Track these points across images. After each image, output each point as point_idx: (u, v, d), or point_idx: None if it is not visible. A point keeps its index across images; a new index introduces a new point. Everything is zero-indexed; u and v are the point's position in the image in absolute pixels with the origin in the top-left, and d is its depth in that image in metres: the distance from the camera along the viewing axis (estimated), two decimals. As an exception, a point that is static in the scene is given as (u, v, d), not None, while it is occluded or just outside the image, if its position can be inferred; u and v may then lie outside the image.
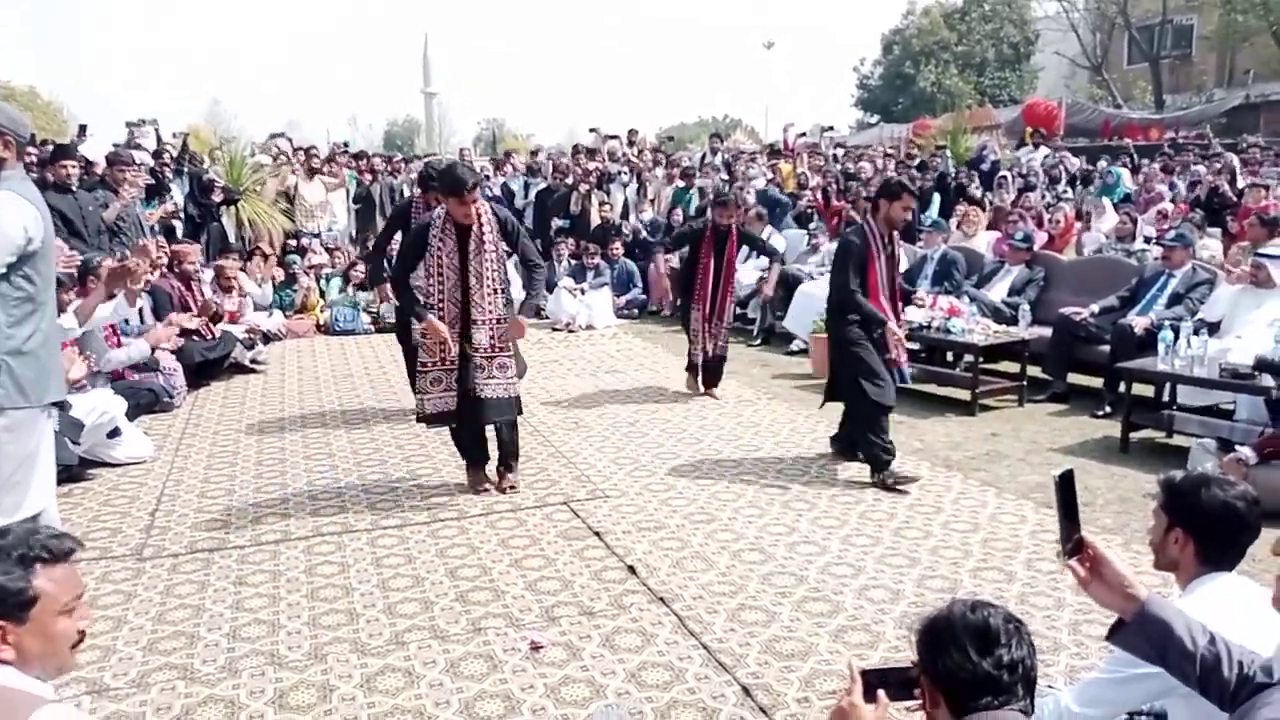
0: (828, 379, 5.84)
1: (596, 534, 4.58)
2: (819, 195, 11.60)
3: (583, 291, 10.83)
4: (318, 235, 12.11)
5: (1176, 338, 5.88)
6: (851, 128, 31.28)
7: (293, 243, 11.72)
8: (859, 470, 5.53)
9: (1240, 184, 10.81)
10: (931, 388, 7.42)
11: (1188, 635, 1.84)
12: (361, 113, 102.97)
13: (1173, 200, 10.86)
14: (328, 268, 11.37)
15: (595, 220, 12.27)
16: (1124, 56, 31.07)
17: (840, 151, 15.30)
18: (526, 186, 13.33)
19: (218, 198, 10.95)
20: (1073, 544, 1.85)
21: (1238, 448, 4.85)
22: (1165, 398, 6.45)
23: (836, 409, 5.85)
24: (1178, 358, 5.80)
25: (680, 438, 6.28)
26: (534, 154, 14.99)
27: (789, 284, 9.44)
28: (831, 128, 19.78)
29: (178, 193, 11.18)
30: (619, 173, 13.37)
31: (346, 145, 16.47)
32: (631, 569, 4.17)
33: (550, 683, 3.26)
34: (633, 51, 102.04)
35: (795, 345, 9.08)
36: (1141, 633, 1.86)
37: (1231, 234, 9.08)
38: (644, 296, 11.52)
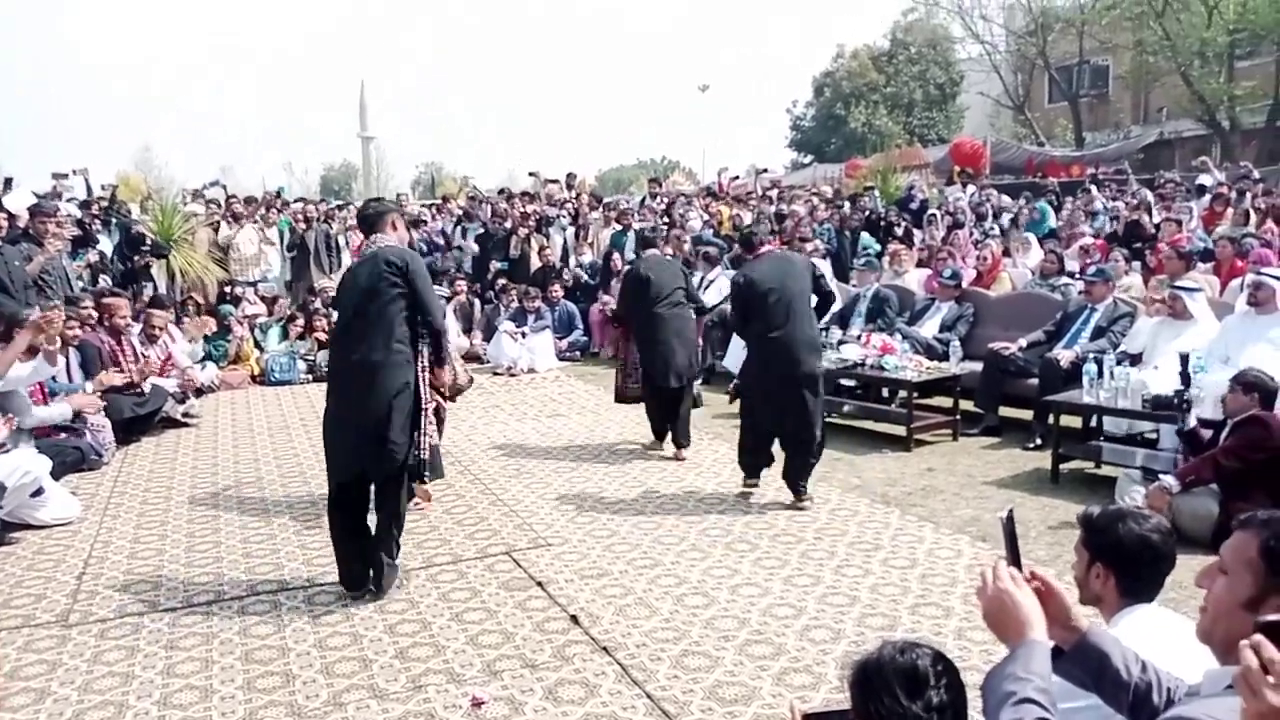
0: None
1: (539, 584, 4.55)
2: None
3: (524, 335, 10.82)
4: (253, 284, 11.95)
5: (1100, 370, 6.08)
6: (786, 168, 31.89)
7: (227, 291, 11.54)
8: (799, 511, 5.58)
9: (1156, 218, 11.25)
10: (868, 424, 7.55)
11: (1123, 665, 1.89)
12: (297, 158, 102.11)
13: (1094, 235, 11.24)
14: (263, 317, 11.20)
15: (535, 263, 12.30)
16: (1045, 96, 32.26)
17: (775, 193, 15.57)
18: (464, 231, 13.32)
19: (147, 251, 10.75)
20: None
21: (1161, 477, 5.01)
22: (1092, 428, 6.64)
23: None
24: (1102, 390, 6.00)
25: (623, 481, 6.28)
26: (472, 198, 14.98)
27: (727, 324, 9.53)
28: (766, 170, 20.16)
29: (106, 244, 10.97)
30: (558, 216, 13.44)
31: (280, 192, 16.32)
32: (574, 618, 4.14)
33: (492, 739, 3.21)
34: (571, 94, 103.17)
35: (734, 385, 9.15)
36: (1080, 661, 1.91)
37: (1150, 268, 9.43)
38: (585, 338, 11.55)
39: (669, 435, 6.97)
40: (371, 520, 4.53)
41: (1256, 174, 14.83)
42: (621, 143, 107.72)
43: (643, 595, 4.38)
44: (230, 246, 12.04)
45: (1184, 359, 5.52)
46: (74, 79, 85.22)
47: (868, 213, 13.07)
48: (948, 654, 1.84)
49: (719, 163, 41.51)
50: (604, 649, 3.85)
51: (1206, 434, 5.22)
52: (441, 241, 13.42)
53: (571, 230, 13.16)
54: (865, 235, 12.33)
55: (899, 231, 12.00)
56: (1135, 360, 6.54)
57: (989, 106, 31.92)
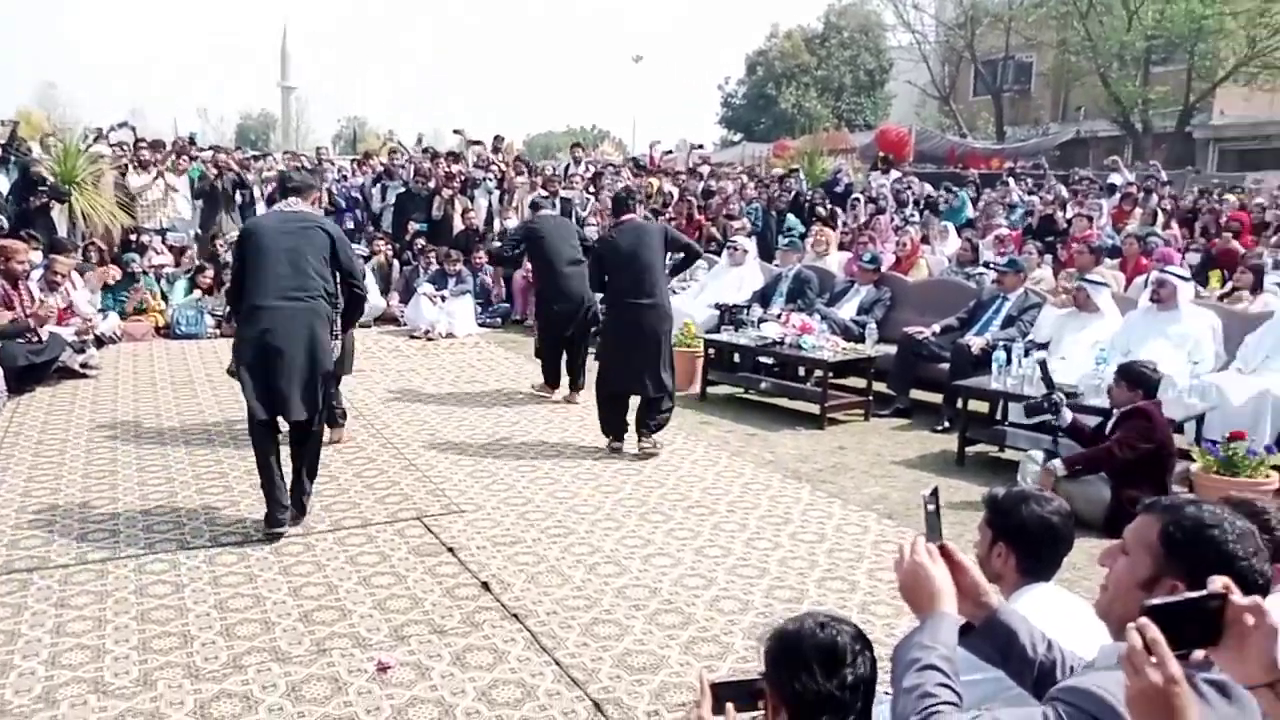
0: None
1: (450, 550, 4.50)
2: (682, 211, 11.82)
3: (443, 298, 10.65)
4: (160, 232, 11.48)
5: (1009, 358, 6.27)
6: (715, 144, 31.99)
7: (132, 239, 11.05)
8: (715, 480, 5.65)
9: (1069, 214, 11.62)
10: (783, 401, 7.66)
11: (1030, 642, 1.95)
12: (212, 105, 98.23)
13: (1010, 228, 11.56)
14: (170, 267, 10.78)
15: (459, 226, 12.09)
16: (970, 88, 32.96)
17: (705, 170, 15.60)
18: (384, 189, 13.00)
19: (44, 192, 10.20)
20: (935, 550, 1.93)
21: (1052, 461, 5.20)
22: (999, 414, 6.85)
23: (693, 415, 5.94)
24: (1009, 376, 6.18)
25: (540, 450, 6.25)
26: (393, 154, 14.62)
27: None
28: (701, 145, 20.16)
29: (3, 182, 10.39)
30: (484, 179, 13.22)
31: (193, 138, 15.68)
32: (485, 585, 4.11)
33: (397, 704, 3.18)
34: (502, 56, 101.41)
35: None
36: (988, 637, 1.96)
37: (1061, 261, 9.75)
38: (508, 305, 11.43)
39: (565, 383, 7.72)
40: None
41: (1164, 175, 15.43)
42: (552, 109, 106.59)
43: (555, 563, 4.38)
44: (136, 193, 11.51)
45: (1043, 365, 5.71)
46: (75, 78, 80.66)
47: (794, 194, 13.20)
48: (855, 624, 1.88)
49: (649, 135, 41.45)
50: (514, 616, 3.84)
51: (1092, 422, 5.42)
52: (359, 197, 13.08)
53: (497, 194, 12.96)
54: (790, 216, 12.46)
55: (823, 213, 12.16)
56: (1042, 349, 6.76)
57: (916, 95, 32.47)
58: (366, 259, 11.28)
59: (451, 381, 8.33)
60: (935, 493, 1.98)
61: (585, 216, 12.19)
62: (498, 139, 15.69)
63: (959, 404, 6.55)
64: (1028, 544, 2.44)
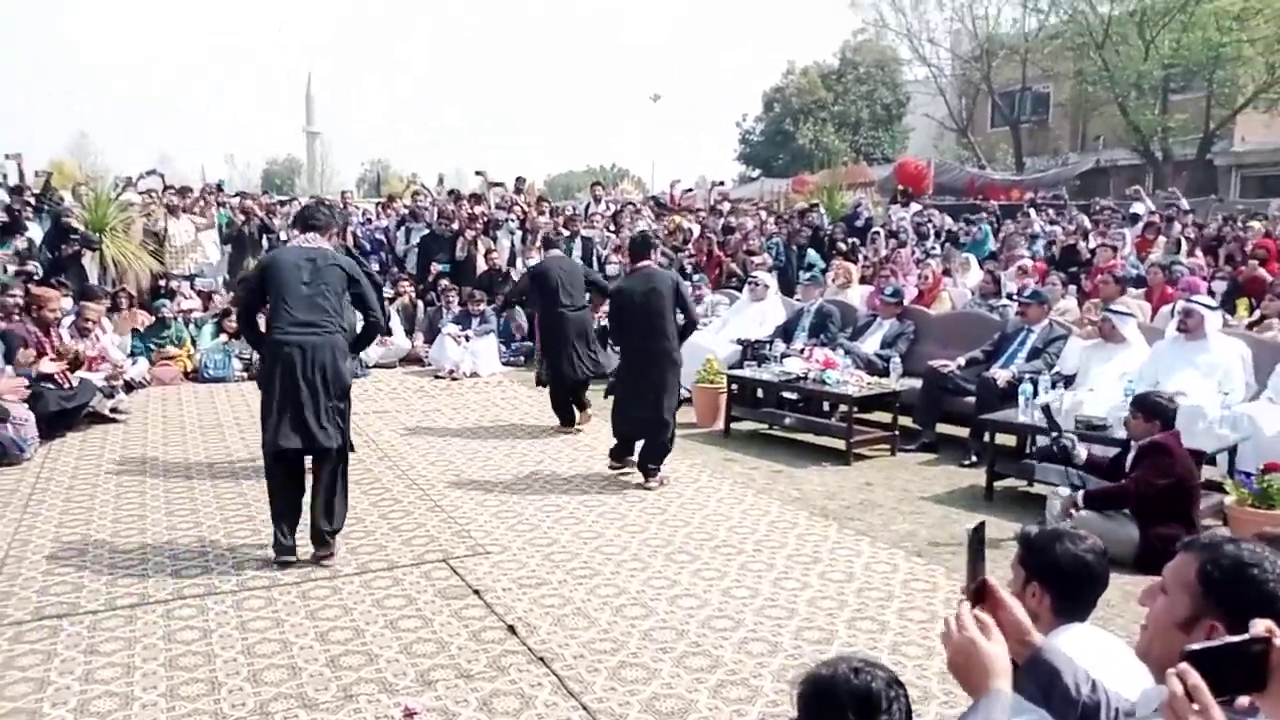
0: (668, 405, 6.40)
1: (476, 592, 4.49)
2: (702, 248, 11.88)
3: (467, 338, 10.71)
4: (188, 278, 11.65)
5: (1035, 390, 6.21)
6: (734, 180, 32.14)
7: (161, 284, 11.23)
8: (741, 518, 5.61)
9: (1092, 243, 11.57)
10: (808, 437, 7.62)
11: (1073, 682, 1.92)
12: (239, 150, 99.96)
13: (1032, 258, 11.52)
14: (199, 311, 10.93)
15: (481, 266, 12.19)
16: (987, 120, 32.99)
17: (725, 206, 15.68)
18: (408, 231, 13.14)
19: (75, 240, 10.40)
20: (975, 586, 1.88)
21: (1075, 493, 5.14)
22: (1027, 448, 6.77)
23: (717, 452, 5.91)
24: (1036, 409, 6.12)
25: (564, 489, 6.24)
26: (416, 196, 14.80)
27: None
28: (722, 183, 20.27)
29: (36, 232, 10.60)
30: (506, 219, 13.35)
31: (221, 185, 15.95)
32: (511, 628, 4.09)
33: (424, 751, 3.15)
34: (523, 98, 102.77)
35: (680, 394, 9.16)
36: (1032, 676, 1.92)
37: (1085, 291, 9.69)
38: (531, 344, 11.47)
39: (575, 420, 7.94)
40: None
41: (1185, 204, 15.34)
42: (572, 149, 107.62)
43: (581, 605, 4.35)
44: (165, 238, 11.71)
45: (1047, 410, 5.71)
46: (12, 60, 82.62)
47: (815, 229, 13.23)
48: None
49: (669, 173, 41.74)
50: (541, 659, 3.81)
51: (1109, 454, 5.36)
52: (384, 240, 13.23)
53: (519, 234, 13.07)
54: (811, 251, 12.48)
55: (844, 248, 12.17)
56: (1069, 382, 6.70)
57: (933, 128, 32.54)
58: (391, 300, 11.40)
59: (476, 421, 8.35)
60: (981, 527, 1.95)
61: (606, 255, 12.26)
62: (519, 180, 15.85)
63: (986, 438, 6.48)
64: (1063, 583, 2.40)
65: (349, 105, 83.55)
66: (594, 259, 12.32)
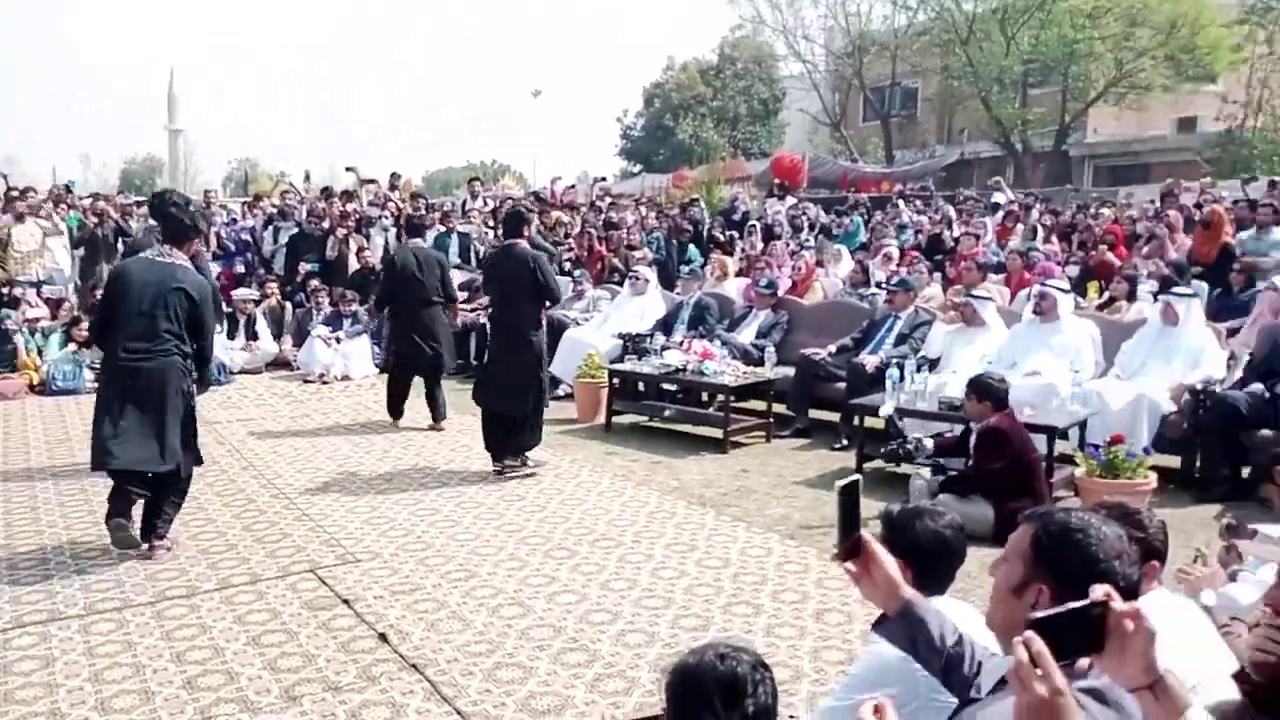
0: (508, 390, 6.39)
1: (345, 601, 4.34)
2: (584, 243, 11.84)
3: (338, 340, 10.39)
4: (35, 285, 10.93)
5: (902, 375, 6.40)
6: (616, 176, 32.24)
7: (4, 292, 10.49)
8: (620, 511, 5.61)
9: (956, 232, 12.01)
10: (687, 428, 7.68)
11: (939, 633, 2.01)
12: (95, 150, 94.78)
13: (900, 248, 11.89)
14: (47, 320, 10.27)
15: (353, 265, 11.84)
16: (860, 115, 34.02)
17: (607, 201, 15.66)
18: (276, 231, 12.65)
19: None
20: (850, 544, 1.94)
21: (932, 479, 5.40)
22: (895, 431, 6.96)
23: (598, 446, 5.89)
24: (903, 393, 6.32)
25: (440, 492, 6.10)
26: (285, 195, 14.27)
27: (555, 329, 9.49)
28: (605, 178, 20.26)
29: None
30: (379, 216, 13.00)
31: (70, 186, 15.03)
32: (383, 636, 3.97)
33: (285, 770, 3.02)
34: (397, 92, 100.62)
35: (561, 390, 9.11)
36: (902, 626, 2.01)
37: (949, 278, 10.05)
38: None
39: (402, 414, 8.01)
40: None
41: (1038, 194, 16.09)
42: (451, 145, 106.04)
43: (456, 609, 4.26)
44: (8, 243, 10.96)
45: (889, 420, 6.00)
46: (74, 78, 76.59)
47: (695, 223, 13.34)
48: (757, 650, 1.86)
49: (551, 168, 41.56)
50: (413, 666, 3.71)
51: (955, 433, 5.63)
52: (250, 240, 12.72)
53: (393, 231, 12.75)
54: (691, 246, 12.58)
55: (721, 239, 12.33)
56: (934, 365, 6.93)
57: (808, 123, 33.34)
58: (257, 302, 10.97)
59: (347, 426, 8.10)
60: (854, 486, 1.97)
61: (484, 251, 12.09)
62: (394, 176, 15.47)
63: (856, 422, 6.65)
64: (923, 559, 2.47)
65: (216, 101, 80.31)
66: (471, 255, 12.13)
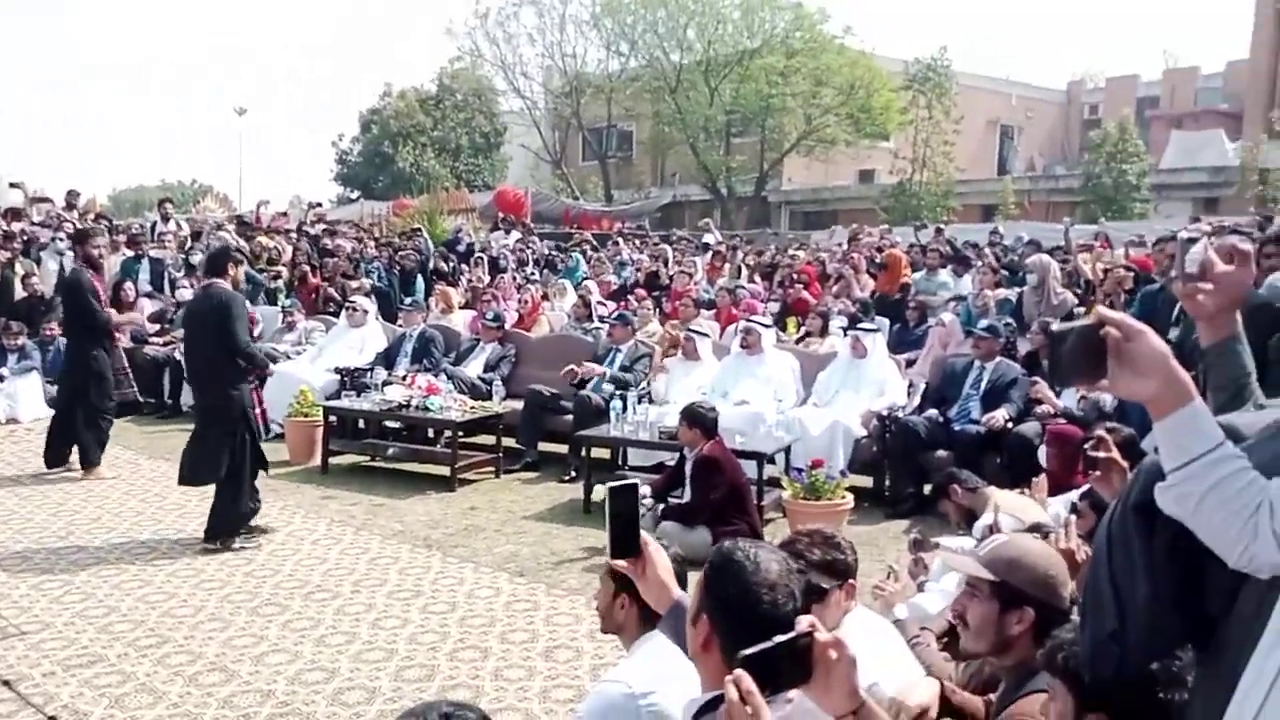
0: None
1: (6, 683, 3.73)
2: (295, 272, 11.18)
3: (2, 379, 9.06)
4: None
5: (625, 406, 6.56)
6: (333, 201, 30.88)
7: None
8: (338, 560, 5.29)
9: (671, 270, 12.59)
10: (413, 466, 7.42)
11: None
12: None
13: (622, 284, 12.28)
14: None
15: (20, 293, 10.41)
16: (579, 153, 34.98)
17: (321, 228, 14.92)
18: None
19: None
20: (623, 546, 1.98)
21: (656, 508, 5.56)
22: (620, 460, 7.14)
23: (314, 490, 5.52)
24: (626, 424, 6.48)
25: (129, 549, 5.44)
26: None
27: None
28: (320, 204, 19.30)
29: None
30: (54, 239, 11.55)
31: None
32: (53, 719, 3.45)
33: None
34: (80, 105, 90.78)
35: (273, 429, 8.48)
36: (671, 620, 2.04)
37: (666, 313, 10.49)
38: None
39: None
40: None
41: (742, 235, 17.28)
42: (143, 162, 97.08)
43: (146, 680, 3.79)
44: None
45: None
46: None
47: (419, 253, 13.01)
48: (486, 697, 1.77)
49: (260, 191, 39.02)
50: (90, 753, 3.24)
51: (673, 459, 5.88)
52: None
53: (70, 255, 11.36)
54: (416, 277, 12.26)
55: (445, 271, 12.13)
56: (653, 397, 7.18)
57: (530, 159, 33.79)
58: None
59: (14, 477, 7.06)
60: (628, 491, 1.95)
61: (179, 279, 11.09)
62: (71, 194, 13.85)
63: (584, 453, 6.73)
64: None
65: None
66: (165, 283, 11.08)
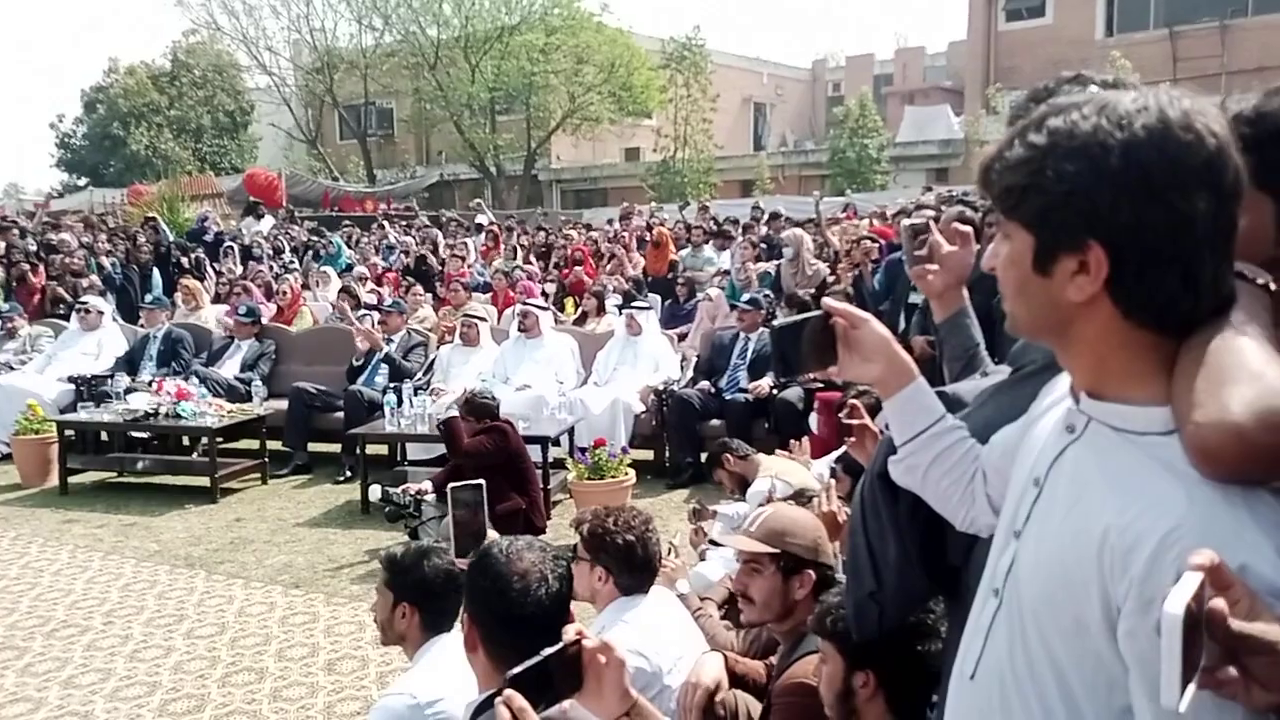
0: None
1: None
2: (15, 271, 9.98)
3: None
4: None
5: (400, 398, 6.34)
6: (56, 190, 27.85)
7: None
8: (86, 590, 4.81)
9: (442, 253, 12.29)
10: (166, 479, 6.86)
11: None
12: None
13: (387, 268, 11.86)
14: None
15: None
16: (336, 132, 33.32)
17: (43, 220, 13.39)
18: None
19: None
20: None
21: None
22: (398, 455, 6.89)
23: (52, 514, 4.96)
24: (403, 418, 6.25)
25: None
26: None
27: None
28: (52, 195, 17.29)
29: None
30: None
31: None
32: None
33: None
34: None
35: (-4, 451, 7.55)
36: None
37: (440, 299, 10.23)
38: None
39: None
40: None
41: (515, 215, 17.18)
42: None
43: None
44: None
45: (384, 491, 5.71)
46: None
47: (157, 245, 11.95)
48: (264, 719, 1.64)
49: (-39, 180, 34.50)
50: None
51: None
52: None
53: None
54: (155, 271, 11.26)
55: (187, 265, 11.24)
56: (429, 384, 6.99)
57: (283, 138, 31.85)
58: None
59: None
60: (473, 489, 1.88)
61: None
62: None
63: (358, 451, 6.45)
64: (431, 598, 2.42)
65: None
66: None
